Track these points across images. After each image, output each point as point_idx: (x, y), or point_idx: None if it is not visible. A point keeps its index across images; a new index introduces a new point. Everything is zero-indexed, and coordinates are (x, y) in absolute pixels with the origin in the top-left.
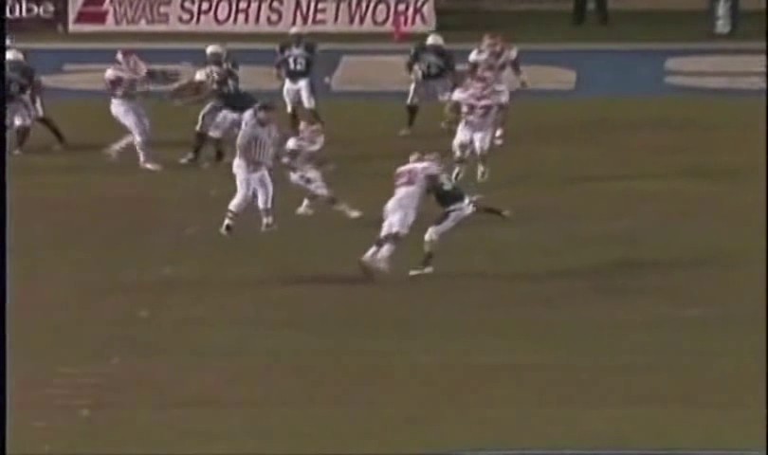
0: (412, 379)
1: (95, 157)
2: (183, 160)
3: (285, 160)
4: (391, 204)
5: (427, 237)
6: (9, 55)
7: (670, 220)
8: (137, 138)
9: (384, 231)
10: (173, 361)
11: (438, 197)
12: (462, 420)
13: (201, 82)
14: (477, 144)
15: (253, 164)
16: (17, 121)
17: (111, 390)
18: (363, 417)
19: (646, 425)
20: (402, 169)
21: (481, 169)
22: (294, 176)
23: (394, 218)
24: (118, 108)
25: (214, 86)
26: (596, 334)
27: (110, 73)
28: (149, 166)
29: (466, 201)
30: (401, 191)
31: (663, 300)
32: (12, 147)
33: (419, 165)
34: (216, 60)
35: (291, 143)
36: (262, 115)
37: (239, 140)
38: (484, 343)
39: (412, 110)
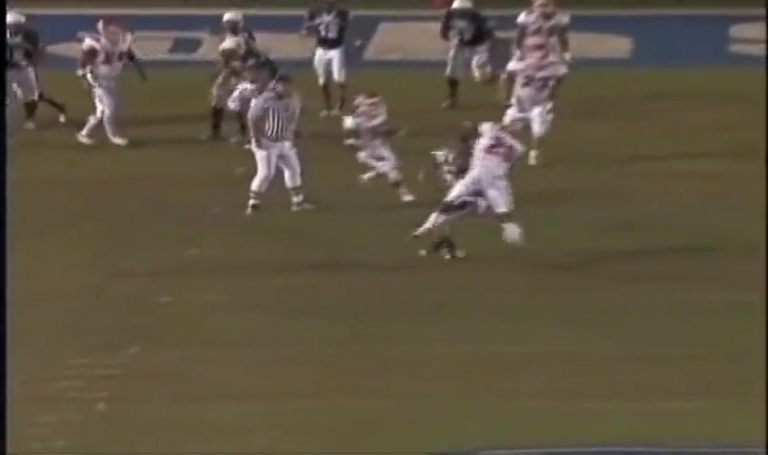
0: (440, 369)
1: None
2: (203, 137)
3: (350, 141)
4: (485, 176)
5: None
6: (10, 17)
7: (712, 203)
8: (106, 111)
9: (498, 209)
10: (195, 351)
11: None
12: (490, 413)
13: (232, 51)
14: (536, 126)
15: (267, 139)
16: (22, 94)
17: (128, 381)
18: (388, 410)
19: (692, 418)
20: (494, 134)
21: (534, 153)
22: (362, 155)
23: (501, 199)
24: (89, 80)
25: (242, 54)
26: (631, 321)
27: (87, 43)
28: (117, 141)
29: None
30: (500, 165)
31: (698, 287)
32: (21, 121)
33: (516, 143)
34: (233, 27)
35: (348, 122)
36: (279, 87)
37: (249, 113)
38: (513, 330)
39: (453, 81)
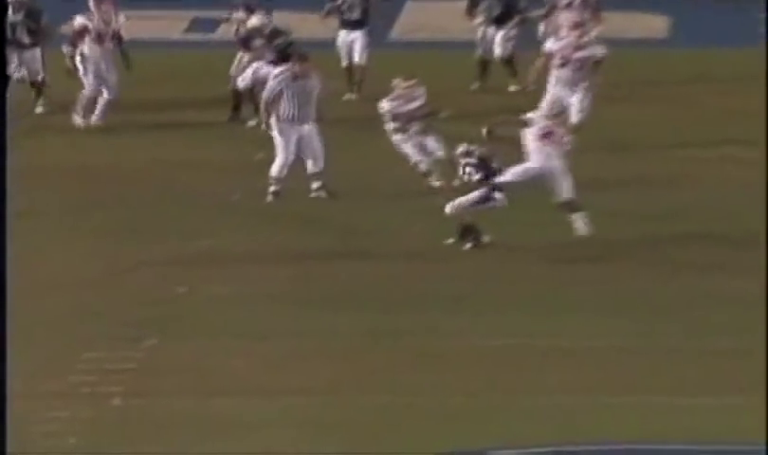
0: (462, 364)
1: (123, 116)
2: (224, 119)
3: (390, 126)
4: (542, 165)
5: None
6: None
7: (751, 190)
8: (85, 91)
9: (562, 197)
10: (215, 344)
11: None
12: (514, 409)
13: (258, 29)
14: (573, 113)
15: (285, 123)
16: (28, 74)
17: (144, 376)
18: (408, 407)
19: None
20: (544, 123)
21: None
22: (398, 138)
23: (562, 187)
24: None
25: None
26: (665, 313)
27: (78, 21)
28: (78, 121)
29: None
30: (555, 153)
31: (739, 277)
32: (30, 104)
33: (564, 133)
34: (248, 5)
35: (385, 105)
36: (295, 67)
37: (263, 95)
38: (538, 323)
39: (483, 62)
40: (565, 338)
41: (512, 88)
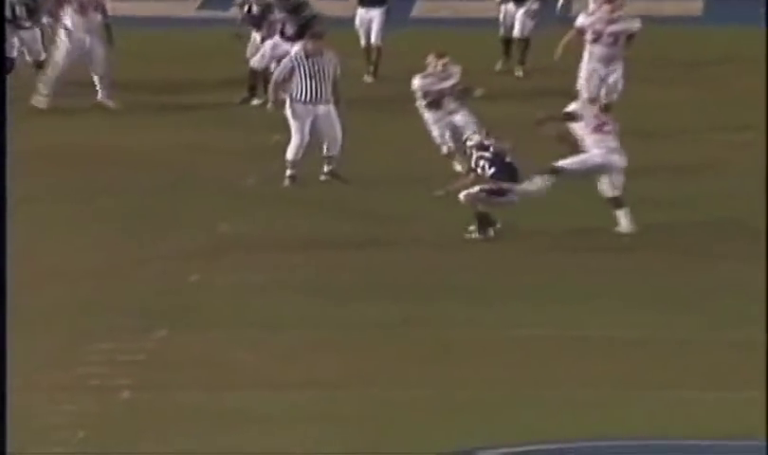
0: (489, 355)
1: (132, 97)
2: (237, 100)
3: (421, 103)
4: (603, 156)
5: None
6: None
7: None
8: (55, 67)
9: (611, 192)
10: (228, 335)
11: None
12: (543, 403)
13: (273, 4)
14: (606, 90)
15: (299, 103)
16: (29, 55)
17: (155, 368)
18: (432, 400)
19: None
20: (593, 115)
21: None
22: (429, 117)
23: (612, 182)
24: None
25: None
26: (698, 303)
27: None
28: (40, 100)
29: None
30: (613, 142)
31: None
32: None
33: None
34: None
35: (417, 82)
36: (308, 44)
37: (275, 74)
38: (568, 313)
39: (506, 41)
40: (592, 329)
41: (518, 74)
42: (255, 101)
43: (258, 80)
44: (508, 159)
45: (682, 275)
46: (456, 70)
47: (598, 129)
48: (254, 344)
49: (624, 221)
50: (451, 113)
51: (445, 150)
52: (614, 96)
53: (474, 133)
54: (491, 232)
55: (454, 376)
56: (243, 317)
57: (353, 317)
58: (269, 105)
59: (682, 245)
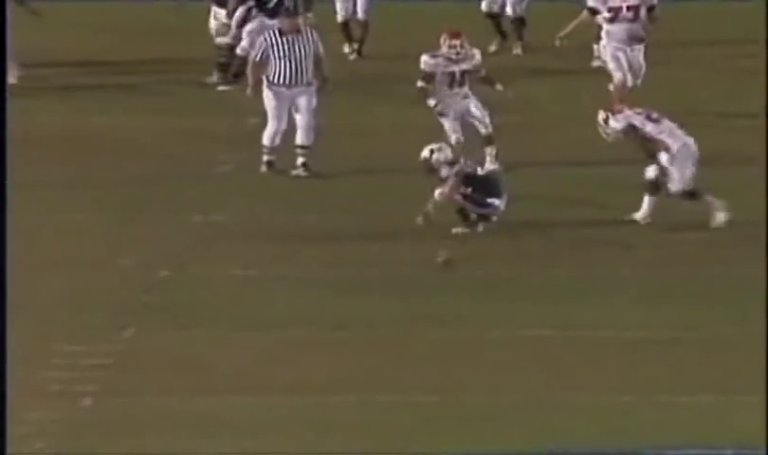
0: (499, 356)
1: (93, 78)
2: (209, 80)
3: (419, 84)
4: (684, 151)
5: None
6: None
7: None
8: None
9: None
10: (205, 334)
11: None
12: (561, 408)
13: None
14: (631, 71)
15: (275, 85)
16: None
17: (122, 371)
18: (442, 406)
19: None
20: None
21: None
22: (439, 106)
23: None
24: None
25: None
26: (730, 300)
27: None
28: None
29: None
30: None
31: None
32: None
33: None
34: None
35: (424, 62)
36: (284, 23)
37: (252, 55)
38: (589, 312)
39: (493, 17)
40: (615, 329)
41: (516, 51)
42: (210, 79)
43: (233, 57)
44: (481, 172)
45: (707, 270)
46: (474, 54)
47: (651, 119)
48: (235, 344)
49: (719, 216)
50: (464, 99)
51: (453, 140)
52: (639, 81)
53: (441, 149)
54: (480, 227)
55: (460, 380)
56: (222, 314)
57: (345, 314)
58: (248, 90)
59: (704, 239)
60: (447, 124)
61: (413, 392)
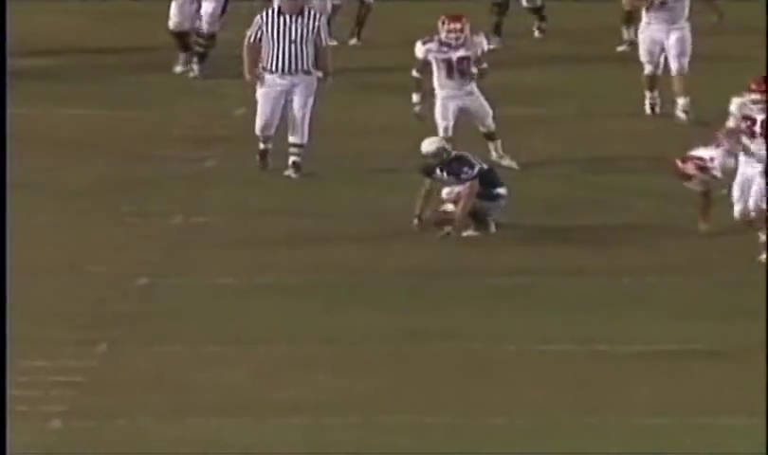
0: (511, 373)
1: (63, 62)
2: (184, 71)
3: (414, 73)
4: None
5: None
6: None
7: None
8: None
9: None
10: (185, 350)
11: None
12: (594, 433)
13: None
14: (675, 62)
15: (267, 72)
16: None
17: (94, 390)
18: (451, 429)
19: None
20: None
21: (682, 102)
22: (441, 97)
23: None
24: None
25: None
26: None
27: None
28: None
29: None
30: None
31: None
32: None
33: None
34: None
35: (418, 50)
36: (284, 2)
37: (246, 39)
38: (611, 324)
39: (497, 4)
40: (642, 344)
41: (536, 35)
42: (177, 68)
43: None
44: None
45: (740, 279)
46: (479, 40)
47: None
48: (218, 361)
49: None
50: (468, 94)
51: (441, 131)
52: (683, 65)
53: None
54: (492, 228)
55: (468, 400)
56: (203, 327)
57: (353, 326)
58: (246, 75)
59: (736, 245)
60: (437, 115)
61: (421, 414)
